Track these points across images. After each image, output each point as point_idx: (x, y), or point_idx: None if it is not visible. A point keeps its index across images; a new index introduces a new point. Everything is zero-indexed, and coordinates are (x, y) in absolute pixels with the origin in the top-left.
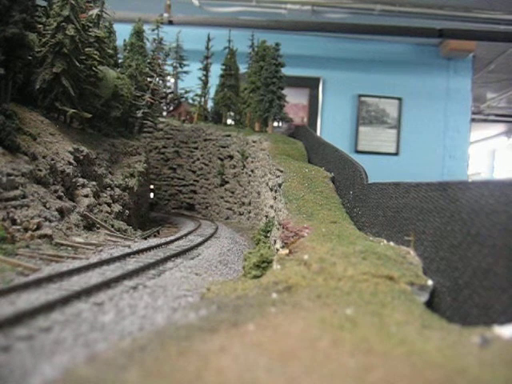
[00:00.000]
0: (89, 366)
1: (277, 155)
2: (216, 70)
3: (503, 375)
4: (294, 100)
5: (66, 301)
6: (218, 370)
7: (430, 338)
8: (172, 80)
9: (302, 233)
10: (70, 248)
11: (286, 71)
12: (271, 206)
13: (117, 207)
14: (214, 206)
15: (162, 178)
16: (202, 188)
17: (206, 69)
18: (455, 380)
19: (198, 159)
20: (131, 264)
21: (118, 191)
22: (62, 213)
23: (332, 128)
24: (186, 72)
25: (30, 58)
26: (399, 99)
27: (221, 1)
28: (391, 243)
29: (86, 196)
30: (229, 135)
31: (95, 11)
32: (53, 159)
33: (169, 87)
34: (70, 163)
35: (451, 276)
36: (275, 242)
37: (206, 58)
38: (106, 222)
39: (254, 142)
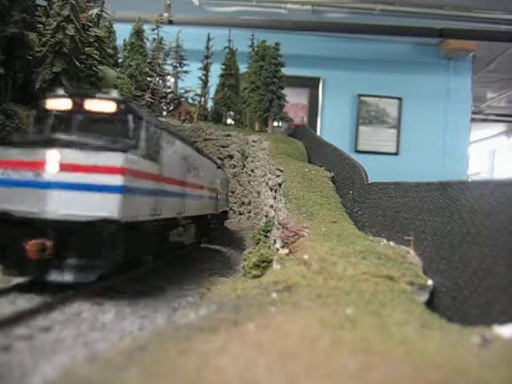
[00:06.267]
0: (89, 366)
1: (277, 155)
2: (216, 69)
3: (503, 375)
4: (294, 100)
5: (65, 300)
6: (218, 369)
7: (430, 337)
8: (172, 80)
9: (302, 232)
10: None
11: (286, 71)
12: (271, 206)
13: None
14: None
15: None
16: None
17: (205, 68)
18: (455, 380)
19: None
20: None
21: None
22: None
23: (332, 128)
24: (186, 72)
25: (29, 57)
26: (399, 99)
27: (221, 0)
28: (391, 243)
29: None
30: (229, 135)
31: (95, 11)
32: None
33: (169, 87)
34: None
35: (451, 276)
36: (275, 241)
37: (206, 57)
38: None
39: (253, 141)
